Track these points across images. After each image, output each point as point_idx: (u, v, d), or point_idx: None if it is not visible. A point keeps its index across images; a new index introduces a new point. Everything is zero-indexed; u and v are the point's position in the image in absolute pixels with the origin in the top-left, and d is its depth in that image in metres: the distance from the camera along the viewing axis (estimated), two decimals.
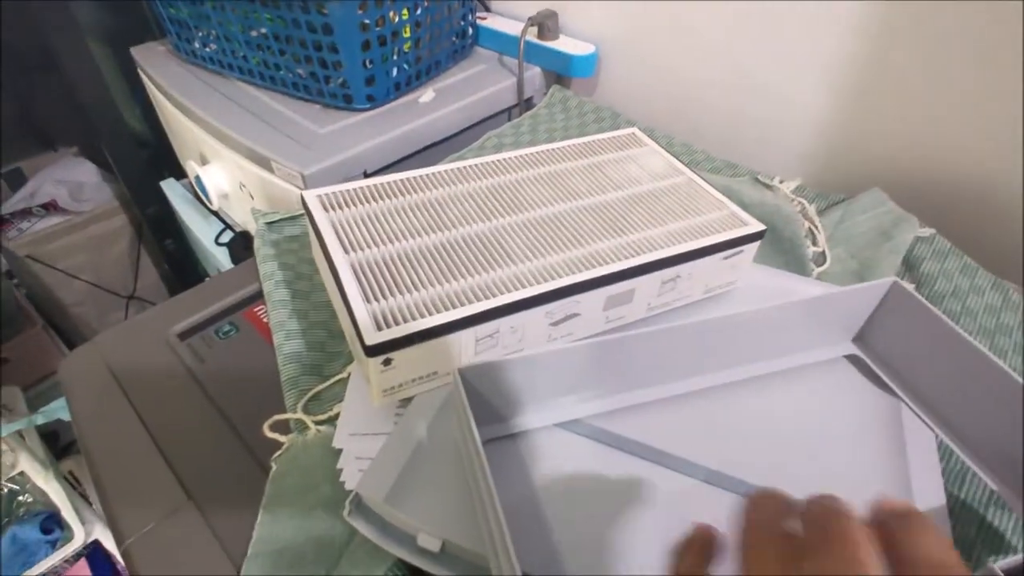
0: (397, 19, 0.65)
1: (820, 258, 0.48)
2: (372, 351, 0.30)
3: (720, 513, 0.31)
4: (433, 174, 0.42)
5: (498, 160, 0.44)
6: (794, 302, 0.35)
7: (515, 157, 0.44)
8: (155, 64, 0.81)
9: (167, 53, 0.84)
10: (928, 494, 0.32)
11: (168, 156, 0.95)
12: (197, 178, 0.76)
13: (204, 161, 0.78)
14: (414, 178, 0.41)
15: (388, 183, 0.40)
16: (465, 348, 0.34)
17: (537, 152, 0.45)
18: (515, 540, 0.28)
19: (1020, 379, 0.30)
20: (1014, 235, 0.51)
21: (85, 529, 0.87)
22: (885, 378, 0.37)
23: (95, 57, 0.96)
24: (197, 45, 0.77)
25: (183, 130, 0.79)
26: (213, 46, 0.76)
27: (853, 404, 0.37)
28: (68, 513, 0.83)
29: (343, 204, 0.38)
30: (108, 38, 1.05)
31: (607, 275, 0.35)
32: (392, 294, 0.33)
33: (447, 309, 0.32)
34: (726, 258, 0.40)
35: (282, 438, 0.37)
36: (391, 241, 0.36)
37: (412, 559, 0.29)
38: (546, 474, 0.32)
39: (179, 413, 0.41)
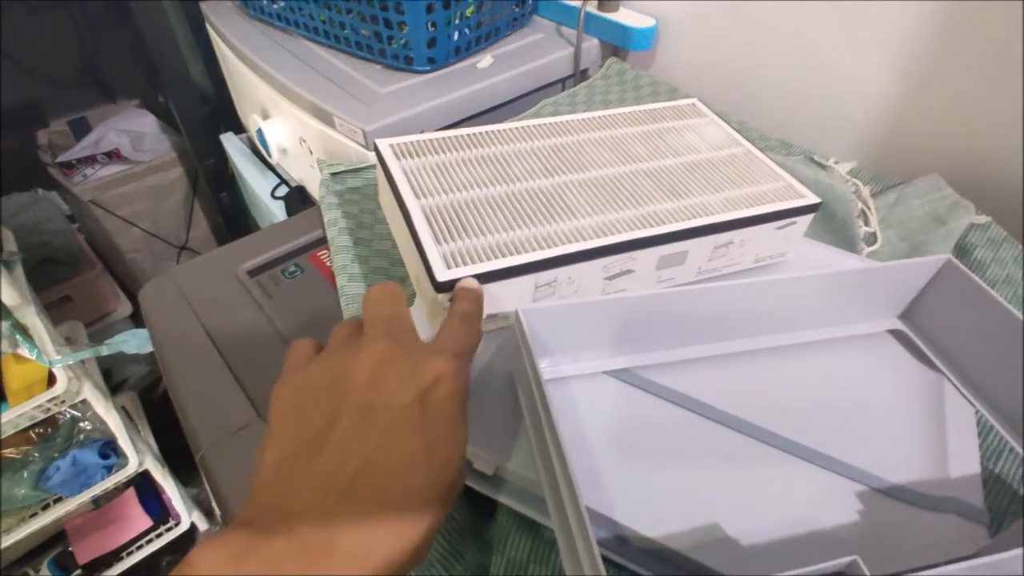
0: None
1: (871, 239, 0.48)
2: (441, 287, 0.32)
3: (756, 463, 0.33)
4: (498, 131, 0.43)
5: (561, 122, 0.45)
6: (844, 271, 0.36)
7: (577, 120, 0.46)
8: (223, 19, 0.84)
9: (235, 8, 0.86)
10: (963, 463, 0.33)
11: (228, 111, 0.99)
12: (259, 131, 0.79)
13: (266, 115, 0.81)
14: (480, 133, 0.43)
15: (456, 136, 0.42)
16: (524, 294, 0.36)
17: (599, 116, 0.46)
18: None
19: None
20: None
21: (137, 458, 0.92)
22: (929, 353, 0.38)
23: (166, 11, 0.99)
24: (265, 2, 0.80)
25: (247, 84, 0.82)
26: (280, 3, 0.78)
27: (895, 376, 0.38)
28: (124, 442, 0.89)
29: (413, 153, 0.40)
30: None
31: (662, 235, 0.37)
32: (460, 237, 0.35)
33: (511, 255, 0.34)
34: (779, 228, 0.41)
35: None
36: (459, 190, 0.38)
37: (468, 481, 0.31)
38: (593, 417, 0.34)
39: (249, 341, 0.44)
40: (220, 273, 0.49)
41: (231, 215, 1.27)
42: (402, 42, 0.68)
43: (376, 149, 0.40)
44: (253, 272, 0.49)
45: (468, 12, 0.69)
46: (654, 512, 0.30)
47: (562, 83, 0.78)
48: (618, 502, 0.30)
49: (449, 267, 0.33)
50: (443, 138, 0.42)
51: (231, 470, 0.37)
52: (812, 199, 0.40)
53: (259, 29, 0.81)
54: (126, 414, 1.05)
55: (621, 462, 0.32)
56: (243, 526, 0.20)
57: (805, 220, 0.41)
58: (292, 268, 0.49)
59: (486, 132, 0.43)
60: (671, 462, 0.32)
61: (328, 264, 0.49)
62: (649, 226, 0.37)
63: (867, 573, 0.22)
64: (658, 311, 0.35)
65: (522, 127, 0.44)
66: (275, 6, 0.79)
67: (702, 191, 0.40)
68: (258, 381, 0.41)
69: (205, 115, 1.11)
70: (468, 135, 0.42)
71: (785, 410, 0.35)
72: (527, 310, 0.32)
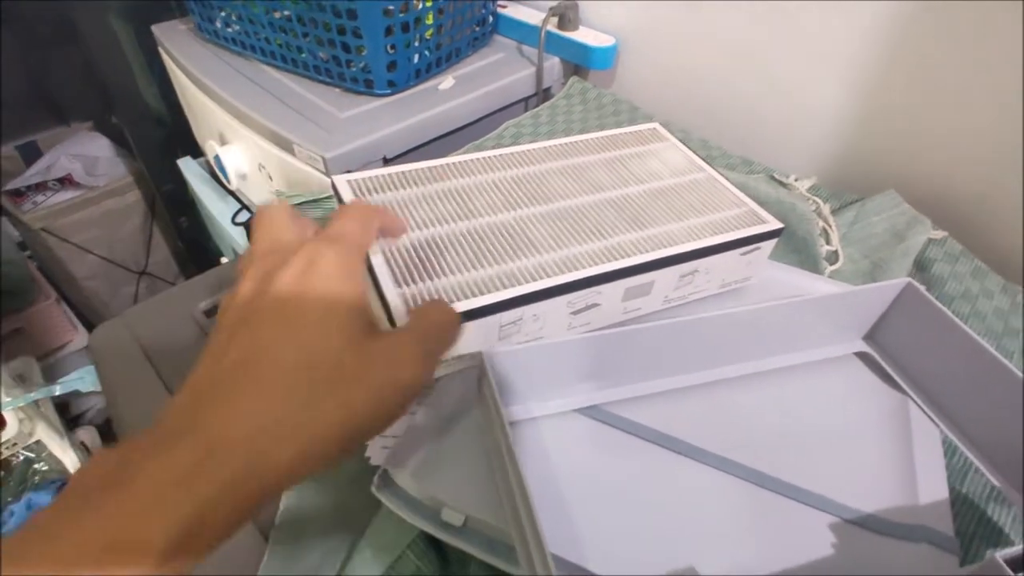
0: (421, 5, 0.65)
1: (833, 257, 0.49)
2: None
3: (729, 498, 0.33)
4: (459, 163, 0.43)
5: (522, 151, 0.45)
6: (809, 299, 0.36)
7: (539, 149, 0.45)
8: (176, 43, 0.82)
9: (188, 32, 0.84)
10: (932, 488, 0.33)
11: (184, 134, 0.96)
12: (216, 157, 0.77)
13: (224, 141, 0.78)
14: (441, 166, 0.42)
15: (415, 171, 0.41)
16: (489, 334, 0.35)
17: (560, 144, 0.46)
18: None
19: None
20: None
21: None
22: (894, 375, 0.38)
23: (116, 33, 0.96)
24: (219, 25, 0.78)
25: (203, 110, 0.79)
26: (235, 27, 0.76)
27: (862, 400, 0.38)
28: None
29: (372, 190, 0.39)
30: (129, 15, 1.06)
31: (628, 267, 0.36)
32: (421, 279, 0.34)
33: (474, 296, 0.33)
34: (743, 254, 0.41)
35: None
36: (420, 227, 0.37)
37: (436, 532, 0.30)
38: (563, 457, 0.33)
39: None
40: (175, 314, 0.47)
41: (192, 239, 1.24)
42: (361, 65, 0.67)
43: (333, 187, 0.39)
44: (210, 312, 0.47)
45: (428, 34, 0.69)
46: (624, 556, 0.29)
47: (525, 102, 0.77)
48: (589, 548, 0.29)
49: (410, 311, 0.32)
50: (402, 172, 0.41)
51: None
52: (774, 224, 0.40)
53: (214, 53, 0.79)
54: (85, 449, 1.01)
55: (592, 504, 0.31)
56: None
57: (769, 245, 0.41)
58: None
59: (447, 164, 0.42)
60: (642, 501, 0.32)
61: None
62: (614, 259, 0.37)
63: None
64: (625, 346, 0.34)
65: (484, 158, 0.43)
66: (230, 30, 0.77)
67: (666, 220, 0.40)
68: None
69: (161, 139, 1.08)
70: (428, 168, 0.42)
71: (755, 440, 0.35)
72: (491, 354, 0.31)
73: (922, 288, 0.37)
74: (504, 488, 0.29)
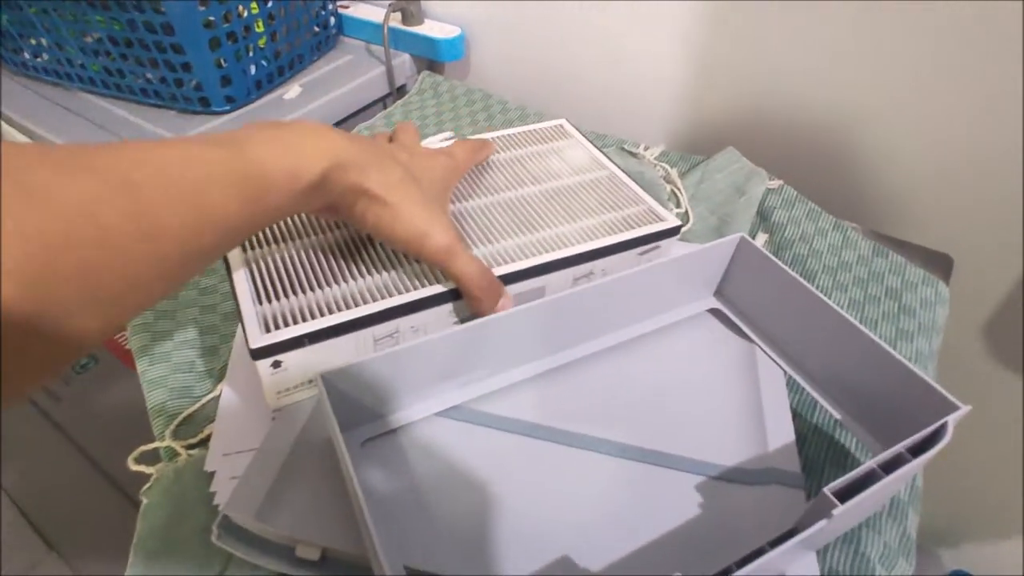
0: (247, 14, 0.62)
1: (684, 217, 0.51)
2: (257, 354, 0.29)
3: (597, 477, 0.33)
4: None
5: None
6: (657, 263, 0.37)
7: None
8: None
9: None
10: (779, 430, 0.35)
11: None
12: None
13: None
14: None
15: None
16: (363, 349, 0.33)
17: None
18: (401, 533, 0.29)
19: (852, 319, 0.33)
20: (851, 176, 0.56)
21: None
22: (741, 325, 0.40)
23: None
24: (27, 56, 0.70)
25: None
26: (46, 56, 0.69)
27: (716, 355, 0.39)
28: None
29: None
30: None
31: (515, 272, 0.35)
32: (286, 295, 0.32)
33: (340, 310, 0.31)
34: (642, 254, 0.40)
35: (148, 469, 0.35)
36: (290, 239, 0.35)
37: (293, 571, 0.28)
38: (430, 463, 0.32)
39: (36, 461, 0.37)
40: None
41: None
42: (193, 83, 0.63)
43: None
44: None
45: (261, 43, 0.65)
46: (491, 555, 0.29)
47: (383, 102, 0.75)
48: (451, 554, 0.28)
49: (268, 330, 0.30)
50: None
51: None
52: (673, 222, 0.40)
53: (27, 87, 0.71)
54: None
55: (458, 507, 0.30)
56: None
57: (668, 243, 0.41)
58: (83, 360, 0.43)
59: None
60: (509, 496, 0.31)
61: (126, 347, 0.44)
62: (499, 264, 0.35)
63: None
64: (480, 341, 0.33)
65: None
66: (40, 60, 0.70)
67: (559, 221, 0.39)
68: (49, 508, 0.35)
69: None
70: None
71: (620, 413, 0.36)
72: (329, 374, 0.29)
73: (752, 240, 0.38)
74: (357, 513, 0.28)
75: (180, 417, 0.37)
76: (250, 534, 0.29)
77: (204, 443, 0.36)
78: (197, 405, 0.38)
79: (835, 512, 0.24)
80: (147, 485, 0.34)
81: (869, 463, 0.27)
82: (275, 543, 0.29)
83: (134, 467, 0.35)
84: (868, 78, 0.51)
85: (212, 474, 0.33)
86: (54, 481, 0.35)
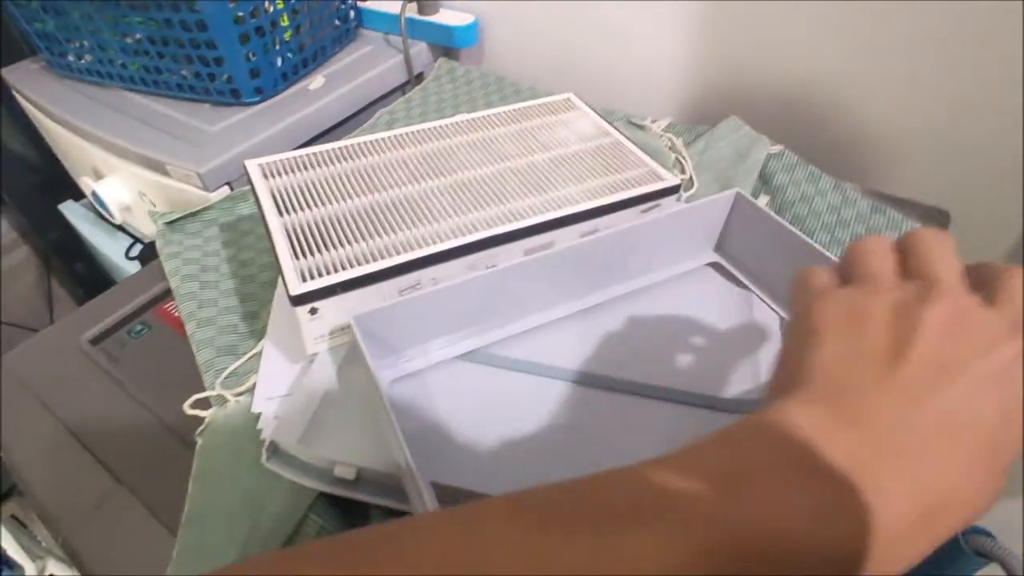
0: (272, 8, 0.66)
1: (689, 184, 0.53)
2: (296, 300, 0.33)
3: (611, 412, 0.36)
4: (370, 142, 0.44)
5: (434, 127, 0.46)
6: (658, 218, 0.40)
7: (450, 124, 0.47)
8: (30, 83, 0.79)
9: (41, 71, 0.81)
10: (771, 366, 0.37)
11: (62, 177, 0.92)
12: (94, 194, 0.74)
13: (99, 176, 0.76)
14: (350, 146, 0.44)
15: (325, 151, 0.43)
16: (389, 299, 0.37)
17: (472, 118, 0.48)
18: (427, 456, 0.32)
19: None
20: (850, 138, 0.58)
21: (36, 565, 0.85)
22: (739, 275, 0.42)
23: None
24: (71, 58, 0.75)
25: (72, 148, 0.77)
26: (88, 57, 0.74)
27: (715, 303, 0.42)
28: (15, 551, 0.82)
29: (281, 172, 0.41)
30: None
31: (524, 228, 0.39)
32: (320, 251, 0.36)
33: (369, 262, 0.35)
34: (643, 211, 0.43)
35: (203, 413, 0.39)
36: (324, 204, 0.39)
37: (332, 489, 0.32)
38: (452, 399, 0.36)
39: (101, 413, 0.42)
40: (59, 349, 0.46)
41: (93, 283, 1.19)
42: (224, 77, 0.67)
43: (246, 170, 0.40)
44: (96, 340, 0.47)
45: (287, 36, 0.69)
46: (505, 472, 0.32)
47: (402, 90, 0.79)
48: (471, 471, 0.32)
49: (304, 280, 0.34)
50: (313, 153, 0.43)
51: (99, 545, 0.35)
52: (672, 181, 0.43)
53: (72, 87, 0.76)
54: (17, 522, 0.96)
55: (475, 434, 0.34)
56: (815, 403, 0.20)
57: (668, 201, 0.43)
58: (138, 327, 0.47)
59: (356, 144, 0.44)
60: (520, 423, 0.34)
61: (176, 315, 0.48)
62: (511, 221, 0.39)
63: None
64: (494, 289, 0.37)
65: (393, 136, 0.45)
66: (83, 61, 0.75)
67: (566, 183, 0.42)
68: (114, 449, 0.39)
69: (37, 187, 1.03)
70: (338, 148, 0.43)
71: (626, 355, 0.39)
72: (361, 316, 0.33)
73: (748, 196, 0.41)
74: (388, 436, 0.31)
75: (227, 371, 0.41)
76: (294, 458, 0.33)
77: (249, 391, 0.40)
78: (242, 360, 0.42)
79: None
80: (201, 427, 0.38)
81: None
82: (315, 465, 0.32)
83: (190, 411, 0.39)
84: (861, 44, 0.53)
85: (258, 415, 0.37)
86: (117, 429, 0.39)
